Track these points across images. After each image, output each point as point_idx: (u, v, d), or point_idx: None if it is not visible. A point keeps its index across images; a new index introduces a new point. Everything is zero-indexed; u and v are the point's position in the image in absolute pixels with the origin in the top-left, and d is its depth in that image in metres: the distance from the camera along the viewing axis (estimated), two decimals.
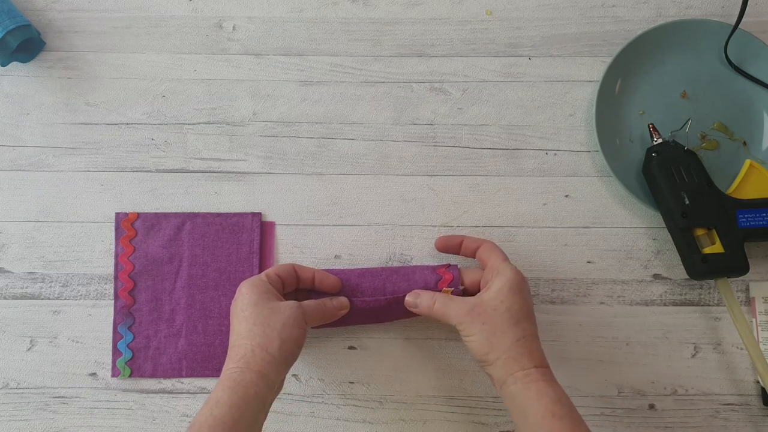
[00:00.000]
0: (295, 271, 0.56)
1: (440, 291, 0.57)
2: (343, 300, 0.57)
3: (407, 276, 0.58)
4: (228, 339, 0.62)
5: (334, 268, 0.61)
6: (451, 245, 0.60)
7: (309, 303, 0.55)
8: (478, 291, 0.55)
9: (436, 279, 0.58)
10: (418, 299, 0.56)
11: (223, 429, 0.47)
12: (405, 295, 0.58)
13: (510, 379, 0.50)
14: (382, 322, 0.61)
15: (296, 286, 0.57)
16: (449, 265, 0.59)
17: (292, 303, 0.53)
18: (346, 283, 0.58)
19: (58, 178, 0.65)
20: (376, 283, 0.58)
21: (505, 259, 0.56)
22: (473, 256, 0.59)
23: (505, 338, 0.51)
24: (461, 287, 0.57)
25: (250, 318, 0.51)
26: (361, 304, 0.58)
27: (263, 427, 0.61)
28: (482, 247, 0.57)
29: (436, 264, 0.60)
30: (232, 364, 0.50)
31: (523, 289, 0.53)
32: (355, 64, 0.66)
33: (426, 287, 0.58)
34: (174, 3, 0.67)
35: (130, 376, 0.62)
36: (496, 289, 0.53)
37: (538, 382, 0.50)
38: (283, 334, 0.51)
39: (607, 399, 0.62)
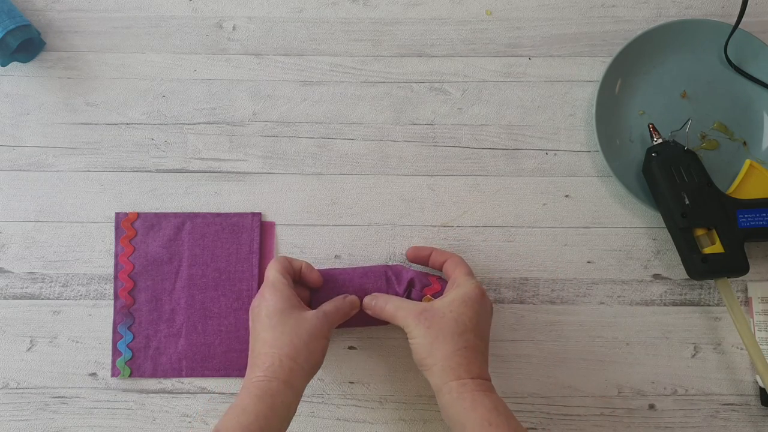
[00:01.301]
0: (290, 264, 0.57)
1: (422, 296, 0.58)
2: (353, 299, 0.57)
3: (407, 278, 0.59)
4: (228, 339, 0.62)
5: (335, 267, 0.61)
6: (420, 256, 0.60)
7: (327, 308, 0.55)
8: None
9: (425, 284, 0.59)
10: (374, 301, 0.56)
11: None
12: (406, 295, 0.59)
13: (445, 388, 0.50)
14: (386, 324, 0.61)
15: (293, 274, 0.58)
16: (441, 279, 0.60)
17: (316, 312, 0.53)
18: (350, 283, 0.59)
19: (58, 178, 0.65)
20: (380, 284, 0.59)
21: (469, 273, 0.56)
22: (440, 268, 0.59)
23: (445, 346, 0.51)
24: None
25: (277, 327, 0.51)
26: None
27: None
28: (449, 261, 0.58)
29: (433, 275, 0.61)
30: (259, 373, 0.50)
31: (478, 303, 0.53)
32: (355, 64, 0.66)
33: (413, 291, 0.59)
34: (174, 3, 0.67)
35: (129, 376, 0.62)
36: (449, 298, 0.53)
37: (474, 392, 0.49)
38: (310, 345, 0.51)
39: (607, 399, 0.62)
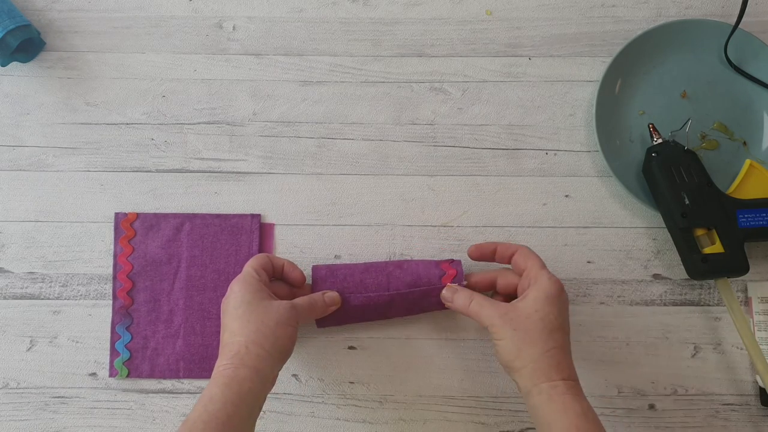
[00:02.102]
0: (270, 261, 0.57)
1: (443, 286, 0.58)
2: (334, 296, 0.58)
3: (411, 270, 0.59)
4: None
5: (337, 263, 0.61)
6: (485, 253, 0.58)
7: (300, 301, 0.55)
8: (488, 291, 0.57)
9: (440, 274, 0.58)
10: (455, 295, 0.56)
11: (217, 424, 0.47)
12: (409, 292, 0.58)
13: (535, 390, 0.50)
14: (387, 318, 0.61)
15: (272, 276, 0.58)
16: (452, 261, 0.59)
17: (284, 302, 0.54)
18: (350, 278, 0.59)
19: (58, 178, 0.65)
20: (380, 279, 0.59)
21: (543, 266, 0.55)
22: (508, 262, 0.57)
23: (534, 347, 0.50)
24: (464, 283, 0.58)
25: (243, 316, 0.52)
26: (364, 300, 0.58)
27: (263, 427, 0.61)
28: (517, 253, 0.56)
29: (439, 259, 0.60)
30: (225, 361, 0.50)
31: (559, 299, 0.52)
32: (355, 64, 0.66)
33: (429, 282, 0.58)
34: (174, 3, 0.67)
35: (127, 376, 0.62)
36: (532, 297, 0.52)
37: (565, 395, 0.49)
38: (277, 332, 0.51)
39: (607, 399, 0.62)
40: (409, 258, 0.63)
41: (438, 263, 0.59)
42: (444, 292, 0.57)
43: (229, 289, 0.54)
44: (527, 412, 0.61)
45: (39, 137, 0.65)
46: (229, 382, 0.49)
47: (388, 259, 0.63)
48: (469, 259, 0.59)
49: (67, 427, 0.61)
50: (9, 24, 0.61)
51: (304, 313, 0.55)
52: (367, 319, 0.61)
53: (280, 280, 0.59)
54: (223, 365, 0.50)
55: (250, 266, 0.56)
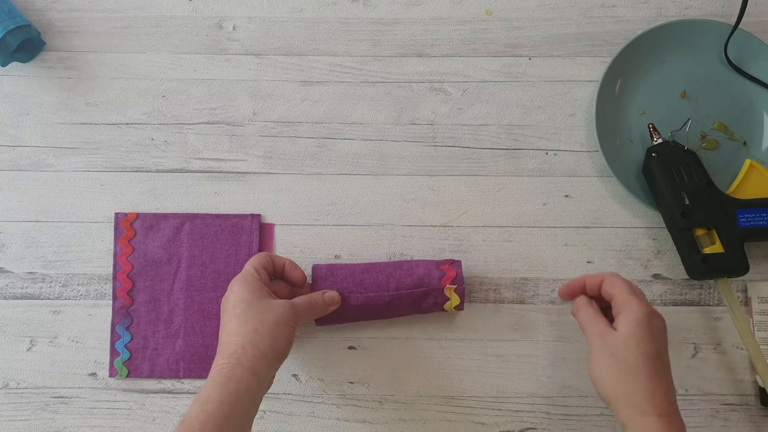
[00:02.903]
0: (271, 260, 0.57)
1: (443, 288, 0.58)
2: (333, 295, 0.58)
3: (411, 271, 0.59)
4: None
5: (337, 263, 0.61)
6: (575, 290, 0.57)
7: (299, 300, 0.55)
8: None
9: (440, 276, 0.59)
10: (577, 299, 0.56)
11: (214, 424, 0.47)
12: (408, 293, 0.58)
13: (630, 425, 0.48)
14: (387, 318, 0.61)
15: (273, 275, 0.58)
16: (452, 262, 0.59)
17: (283, 302, 0.53)
18: (350, 278, 0.59)
19: (58, 178, 0.65)
20: (380, 279, 0.59)
21: (632, 291, 0.52)
22: (599, 294, 0.55)
23: (628, 377, 0.48)
24: (463, 287, 0.59)
25: (241, 315, 0.51)
26: (364, 300, 0.58)
27: (263, 427, 0.61)
28: (605, 282, 0.54)
29: (439, 260, 0.60)
30: (222, 360, 0.50)
31: (651, 325, 0.50)
32: (355, 64, 0.66)
33: (429, 284, 0.59)
34: (174, 3, 0.67)
35: (127, 376, 0.62)
36: (624, 323, 0.50)
37: None
38: (274, 332, 0.51)
39: None
40: (409, 258, 0.63)
41: (438, 264, 0.59)
42: (561, 288, 0.58)
43: (228, 287, 0.54)
44: (529, 412, 0.61)
45: (39, 137, 0.65)
46: (226, 382, 0.49)
47: (388, 260, 0.63)
48: (463, 262, 0.60)
49: (67, 427, 0.61)
50: (9, 24, 0.61)
51: (304, 313, 0.55)
52: (367, 318, 0.61)
53: (281, 279, 0.59)
54: (220, 365, 0.50)
55: (250, 265, 0.55)
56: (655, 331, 0.50)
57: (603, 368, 0.50)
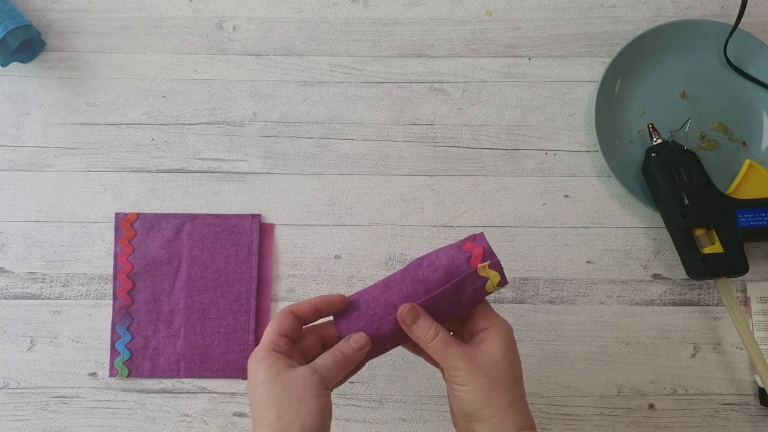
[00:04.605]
0: (292, 315, 0.48)
1: (476, 270, 0.48)
2: (359, 339, 0.48)
3: (433, 265, 0.49)
4: (227, 341, 0.63)
5: (354, 293, 0.51)
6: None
7: (323, 361, 0.46)
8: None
9: (467, 257, 0.48)
10: (419, 321, 0.47)
11: None
12: (440, 292, 0.48)
13: None
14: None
15: (301, 327, 0.49)
16: (474, 236, 0.49)
17: (304, 370, 0.45)
18: (374, 304, 0.49)
19: (58, 178, 0.65)
20: (406, 290, 0.48)
21: (490, 307, 0.50)
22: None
23: (504, 395, 0.46)
24: (497, 260, 0.48)
25: (261, 401, 0.44)
26: (396, 322, 0.48)
27: None
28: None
29: (458, 241, 0.50)
30: None
31: (514, 342, 0.48)
32: (355, 64, 0.66)
33: (459, 271, 0.48)
34: (174, 3, 0.67)
35: (128, 376, 0.62)
36: (495, 342, 0.47)
37: None
38: (301, 414, 0.43)
39: (607, 399, 0.62)
40: (409, 258, 0.63)
41: (460, 246, 0.49)
42: (401, 310, 0.47)
43: (248, 365, 0.47)
44: None
45: (39, 137, 0.65)
46: None
47: (387, 259, 0.63)
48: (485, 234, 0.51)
49: (68, 427, 0.62)
50: (9, 24, 0.61)
51: (332, 374, 0.46)
52: (398, 343, 0.51)
53: (316, 326, 0.50)
54: None
55: (266, 336, 0.47)
56: (516, 349, 0.48)
57: (477, 391, 0.46)
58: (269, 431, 0.43)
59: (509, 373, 0.47)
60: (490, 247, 0.49)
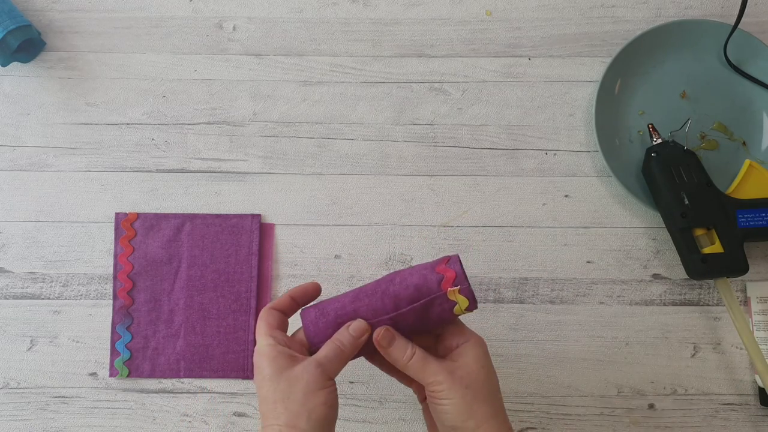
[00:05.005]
0: (274, 311, 0.50)
1: (445, 293, 0.49)
2: (358, 326, 0.49)
3: (405, 283, 0.49)
4: (227, 341, 0.63)
5: (323, 300, 0.51)
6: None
7: (325, 353, 0.48)
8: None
9: (438, 279, 0.49)
10: (394, 343, 0.48)
11: None
12: (408, 310, 0.49)
13: None
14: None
15: (287, 319, 0.51)
16: (448, 259, 0.50)
17: (308, 364, 0.47)
18: (342, 311, 0.50)
19: (58, 178, 0.65)
20: (374, 304, 0.49)
21: (465, 326, 0.51)
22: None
23: (486, 405, 0.47)
24: (468, 285, 0.49)
25: (269, 396, 0.46)
26: None
27: None
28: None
29: (433, 260, 0.51)
30: None
31: (489, 356, 0.49)
32: (355, 64, 0.66)
33: (429, 291, 0.49)
34: (174, 3, 0.67)
35: (128, 376, 0.62)
36: (472, 354, 0.48)
37: None
38: (307, 405, 0.45)
39: (607, 399, 0.62)
40: (409, 258, 0.63)
41: (433, 267, 0.50)
42: (377, 333, 0.48)
43: (254, 363, 0.49)
44: (528, 412, 0.61)
45: (39, 137, 0.65)
46: None
47: (387, 259, 0.64)
48: (463, 262, 0.52)
49: (68, 427, 0.62)
50: (9, 24, 0.61)
51: (333, 364, 0.47)
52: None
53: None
54: None
55: (260, 333, 0.49)
56: (490, 358, 0.49)
57: (459, 403, 0.47)
58: (278, 422, 0.45)
59: (488, 385, 0.48)
60: (464, 272, 0.49)
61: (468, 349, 0.49)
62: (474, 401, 0.47)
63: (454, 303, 0.49)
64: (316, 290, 0.52)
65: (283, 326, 0.50)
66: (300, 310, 0.52)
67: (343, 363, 0.48)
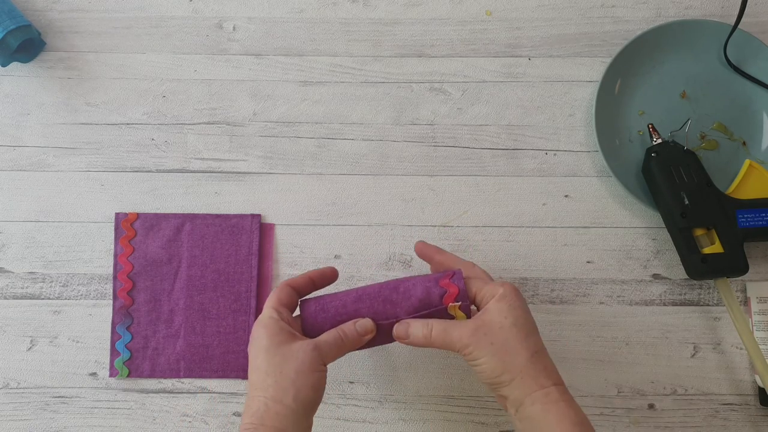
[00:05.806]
0: (290, 288, 0.52)
1: (446, 307, 0.50)
2: (366, 324, 0.50)
3: (408, 293, 0.51)
4: (227, 341, 0.63)
5: (326, 294, 0.54)
6: (426, 255, 0.56)
7: (325, 338, 0.49)
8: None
9: (440, 293, 0.51)
10: (410, 329, 0.50)
11: None
12: (411, 318, 0.51)
13: (528, 400, 0.46)
14: (391, 343, 0.54)
15: (298, 299, 0.53)
16: (453, 274, 0.51)
17: (305, 344, 0.48)
18: (343, 310, 0.51)
19: (58, 178, 0.65)
20: (376, 307, 0.51)
21: (489, 279, 0.52)
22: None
23: (518, 356, 0.47)
24: (468, 302, 0.50)
25: (261, 366, 0.47)
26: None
27: None
28: (463, 268, 0.53)
29: (437, 273, 0.52)
30: (246, 420, 0.46)
31: (519, 298, 0.49)
32: (355, 64, 0.66)
33: (431, 305, 0.51)
34: (174, 3, 0.67)
35: (128, 376, 0.62)
36: (494, 307, 0.48)
37: (559, 403, 0.46)
38: (297, 382, 0.46)
39: (607, 399, 0.62)
40: (409, 258, 0.63)
41: (437, 280, 0.51)
42: (395, 328, 0.50)
43: (252, 331, 0.50)
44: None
45: (39, 137, 0.65)
46: None
47: (387, 259, 0.64)
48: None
49: (68, 427, 0.62)
50: (9, 24, 0.61)
51: (331, 352, 0.49)
52: (368, 347, 0.53)
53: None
54: (244, 425, 0.46)
55: (268, 305, 0.50)
56: (524, 304, 0.49)
57: (491, 360, 0.47)
58: (265, 394, 0.46)
59: (515, 334, 0.47)
60: (465, 289, 0.51)
61: (492, 304, 0.49)
62: (505, 354, 0.47)
63: (452, 317, 0.51)
64: (333, 275, 0.54)
65: (292, 305, 0.52)
66: (300, 301, 0.53)
67: (339, 353, 0.50)
